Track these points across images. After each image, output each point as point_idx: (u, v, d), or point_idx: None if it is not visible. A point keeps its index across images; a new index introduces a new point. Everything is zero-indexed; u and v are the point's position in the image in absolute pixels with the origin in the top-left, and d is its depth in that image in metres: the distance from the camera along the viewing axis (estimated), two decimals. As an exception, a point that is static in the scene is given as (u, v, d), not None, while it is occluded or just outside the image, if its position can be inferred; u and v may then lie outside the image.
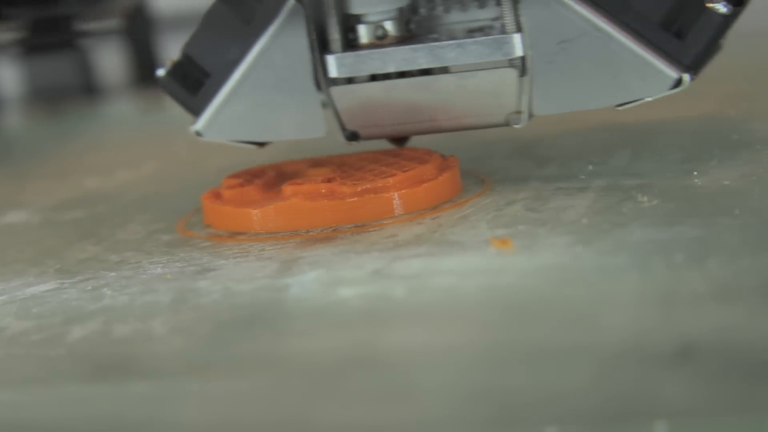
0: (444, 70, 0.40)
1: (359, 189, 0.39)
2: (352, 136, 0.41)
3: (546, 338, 0.29)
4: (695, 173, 0.39)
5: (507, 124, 0.40)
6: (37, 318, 0.35)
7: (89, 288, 0.37)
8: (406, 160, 0.41)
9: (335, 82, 0.40)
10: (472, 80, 0.39)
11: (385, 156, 0.41)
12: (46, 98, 0.76)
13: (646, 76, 0.38)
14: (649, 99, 0.38)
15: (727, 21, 0.38)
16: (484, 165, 0.43)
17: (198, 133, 0.41)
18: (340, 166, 0.41)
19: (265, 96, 0.40)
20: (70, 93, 0.75)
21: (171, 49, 0.76)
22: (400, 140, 0.42)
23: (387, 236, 0.37)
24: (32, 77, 0.76)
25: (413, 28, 0.40)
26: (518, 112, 0.39)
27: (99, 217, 0.45)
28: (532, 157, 0.44)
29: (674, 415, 0.25)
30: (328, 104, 0.40)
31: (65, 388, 0.31)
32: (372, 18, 0.40)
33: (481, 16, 0.40)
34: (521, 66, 0.39)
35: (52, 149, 0.65)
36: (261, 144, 0.42)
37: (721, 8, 0.38)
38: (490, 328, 0.31)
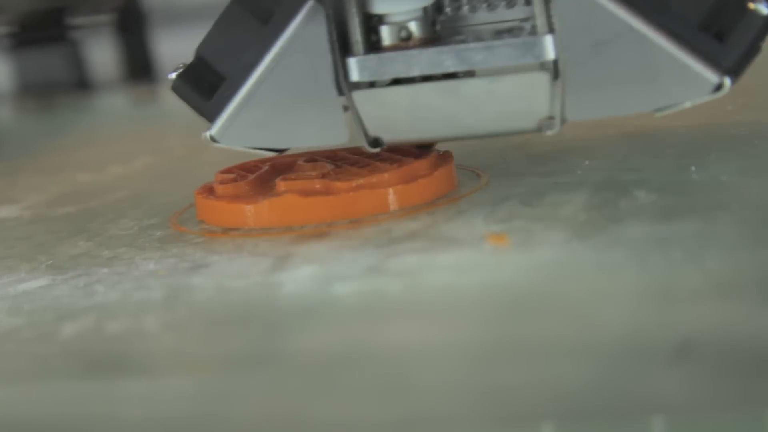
0: (471, 74, 0.39)
1: (354, 184, 0.39)
2: (375, 143, 0.39)
3: (542, 335, 0.29)
4: (693, 168, 0.39)
5: (539, 130, 0.38)
6: (28, 315, 0.35)
7: (81, 284, 0.37)
8: (402, 155, 0.40)
9: (357, 86, 0.38)
10: (501, 84, 0.37)
11: (381, 151, 0.41)
12: (38, 93, 0.75)
13: (685, 79, 0.36)
14: (689, 104, 0.37)
15: None
16: (479, 160, 0.43)
17: (213, 140, 0.40)
18: (334, 161, 0.41)
19: (284, 101, 0.39)
20: (61, 87, 0.75)
21: (163, 43, 0.76)
22: (424, 145, 0.41)
23: (382, 232, 0.37)
24: (23, 71, 0.76)
25: (438, 29, 0.39)
26: (551, 118, 0.38)
27: (91, 213, 0.45)
28: (528, 152, 0.44)
29: (672, 411, 0.25)
30: (350, 109, 0.39)
31: (57, 386, 0.31)
32: (395, 18, 0.38)
33: (510, 16, 0.39)
34: (553, 69, 0.37)
35: (43, 144, 0.64)
36: (280, 151, 0.40)
37: (764, 10, 0.36)
38: (486, 325, 0.31)
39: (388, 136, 0.39)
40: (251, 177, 0.41)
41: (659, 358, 0.27)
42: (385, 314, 0.32)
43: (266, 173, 0.41)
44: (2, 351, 0.33)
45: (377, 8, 0.38)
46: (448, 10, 0.40)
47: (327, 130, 0.39)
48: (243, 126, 0.39)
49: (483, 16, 0.39)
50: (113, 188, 0.48)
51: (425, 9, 0.39)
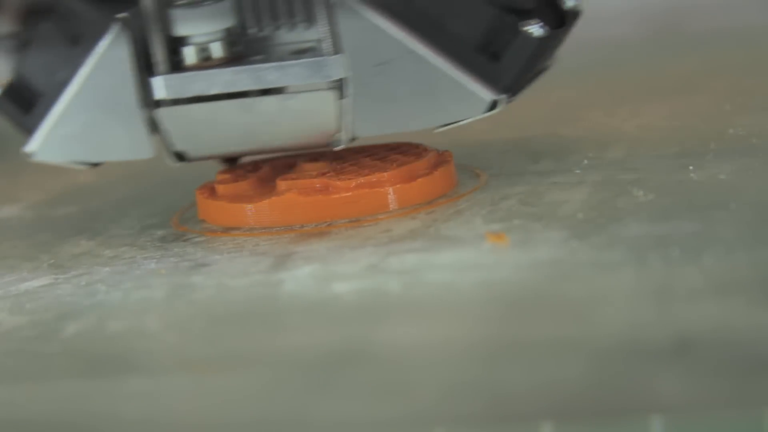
0: (269, 92, 0.40)
1: (354, 184, 0.39)
2: (180, 157, 0.41)
3: (541, 333, 0.29)
4: (691, 167, 0.39)
5: (328, 145, 0.40)
6: (30, 313, 0.35)
7: (83, 283, 0.37)
8: (401, 154, 0.40)
9: (161, 103, 0.40)
10: (292, 102, 0.39)
11: (380, 150, 0.41)
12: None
13: (461, 98, 0.38)
14: (467, 121, 0.39)
15: (545, 42, 0.39)
16: (479, 160, 0.43)
17: (30, 154, 0.41)
18: (334, 161, 0.41)
19: (94, 117, 0.40)
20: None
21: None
22: (230, 160, 0.42)
23: (382, 231, 0.37)
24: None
25: (241, 49, 0.40)
26: (338, 133, 0.39)
27: (93, 212, 0.45)
28: (527, 152, 0.44)
29: (670, 409, 0.25)
30: (156, 125, 0.40)
31: (59, 384, 0.31)
32: (197, 40, 0.39)
33: (309, 37, 0.40)
34: (341, 88, 0.39)
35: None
36: (94, 164, 0.42)
37: (536, 31, 0.38)
38: (485, 323, 0.31)
39: (192, 151, 0.40)
40: (252, 176, 0.41)
41: (658, 356, 0.27)
42: (384, 313, 0.32)
43: (267, 173, 0.41)
44: (4, 349, 0.33)
45: (178, 31, 0.39)
46: (251, 30, 0.40)
47: (133, 145, 0.40)
48: (58, 141, 0.41)
49: (284, 36, 0.40)
50: (115, 188, 0.48)
51: (226, 30, 0.40)
